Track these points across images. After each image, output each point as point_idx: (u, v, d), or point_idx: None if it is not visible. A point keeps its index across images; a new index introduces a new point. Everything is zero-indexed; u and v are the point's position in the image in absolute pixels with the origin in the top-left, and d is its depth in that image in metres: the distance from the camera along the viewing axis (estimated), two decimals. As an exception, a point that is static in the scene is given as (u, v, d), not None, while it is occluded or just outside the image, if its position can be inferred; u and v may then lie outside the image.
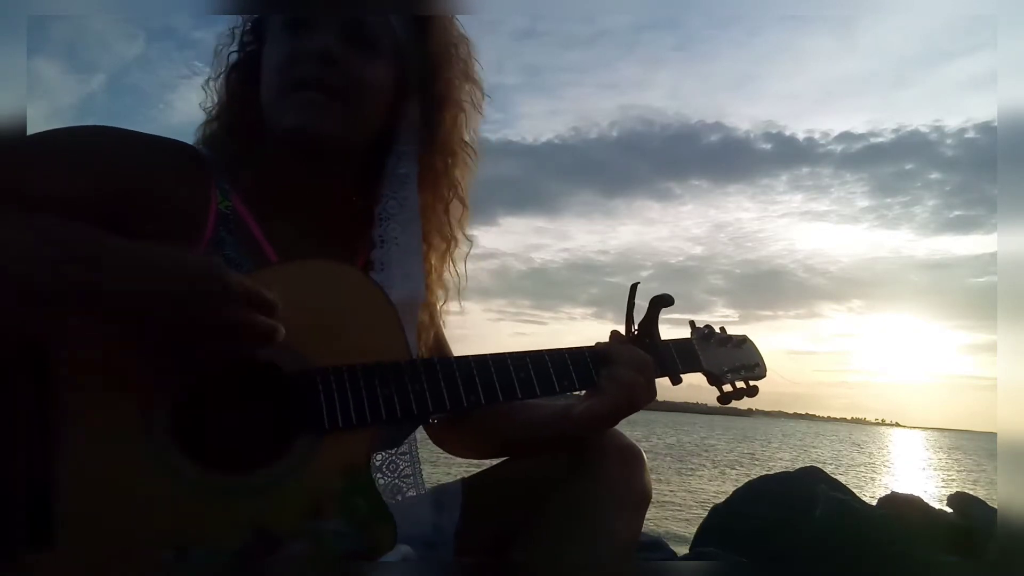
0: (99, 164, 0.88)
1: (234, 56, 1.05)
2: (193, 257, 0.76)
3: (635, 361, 1.01)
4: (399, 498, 1.10)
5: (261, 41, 1.03)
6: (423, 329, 1.12)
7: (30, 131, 0.86)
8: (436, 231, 1.11)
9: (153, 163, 0.93)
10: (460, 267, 1.15)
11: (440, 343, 1.19)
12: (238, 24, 1.06)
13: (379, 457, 1.10)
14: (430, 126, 1.06)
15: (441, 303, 1.16)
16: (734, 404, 1.23)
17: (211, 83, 1.06)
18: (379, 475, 1.09)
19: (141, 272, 0.72)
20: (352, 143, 1.02)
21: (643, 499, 1.01)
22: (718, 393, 1.18)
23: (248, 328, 0.74)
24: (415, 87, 1.04)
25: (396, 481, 1.11)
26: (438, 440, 1.19)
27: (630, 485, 1.00)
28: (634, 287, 1.08)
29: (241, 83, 1.03)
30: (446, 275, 1.15)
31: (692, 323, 1.21)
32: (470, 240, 1.15)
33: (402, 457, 1.13)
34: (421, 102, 1.05)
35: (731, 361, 1.19)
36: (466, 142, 1.11)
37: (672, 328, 1.14)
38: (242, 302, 0.73)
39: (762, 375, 1.23)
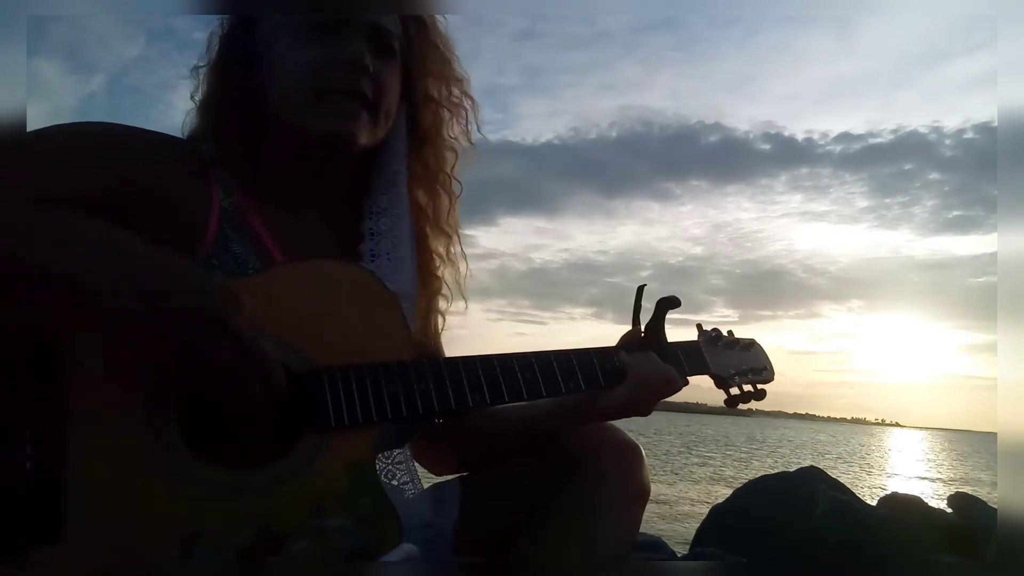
0: (103, 160, 0.88)
1: (231, 50, 1.02)
2: (206, 277, 0.78)
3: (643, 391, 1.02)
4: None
5: (253, 37, 1.00)
6: (419, 318, 1.12)
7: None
8: (433, 227, 1.13)
9: (156, 159, 0.93)
10: (461, 264, 1.16)
11: (433, 351, 1.16)
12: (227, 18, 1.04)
13: (378, 466, 1.10)
14: (417, 125, 1.08)
15: (448, 304, 1.16)
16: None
17: (199, 71, 1.04)
18: None
19: (150, 282, 0.73)
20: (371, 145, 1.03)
21: (641, 494, 1.02)
22: (725, 396, 1.17)
23: (242, 385, 0.75)
24: (408, 87, 1.06)
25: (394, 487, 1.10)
26: (417, 457, 1.18)
27: (628, 480, 1.00)
28: (641, 289, 1.08)
29: (241, 80, 1.00)
30: (448, 272, 1.15)
31: (699, 326, 1.20)
32: (462, 235, 1.16)
33: (398, 466, 1.12)
34: (408, 101, 1.07)
35: (738, 364, 1.18)
36: (455, 140, 1.12)
37: (676, 329, 1.14)
38: (248, 362, 0.75)
39: (770, 379, 1.22)
